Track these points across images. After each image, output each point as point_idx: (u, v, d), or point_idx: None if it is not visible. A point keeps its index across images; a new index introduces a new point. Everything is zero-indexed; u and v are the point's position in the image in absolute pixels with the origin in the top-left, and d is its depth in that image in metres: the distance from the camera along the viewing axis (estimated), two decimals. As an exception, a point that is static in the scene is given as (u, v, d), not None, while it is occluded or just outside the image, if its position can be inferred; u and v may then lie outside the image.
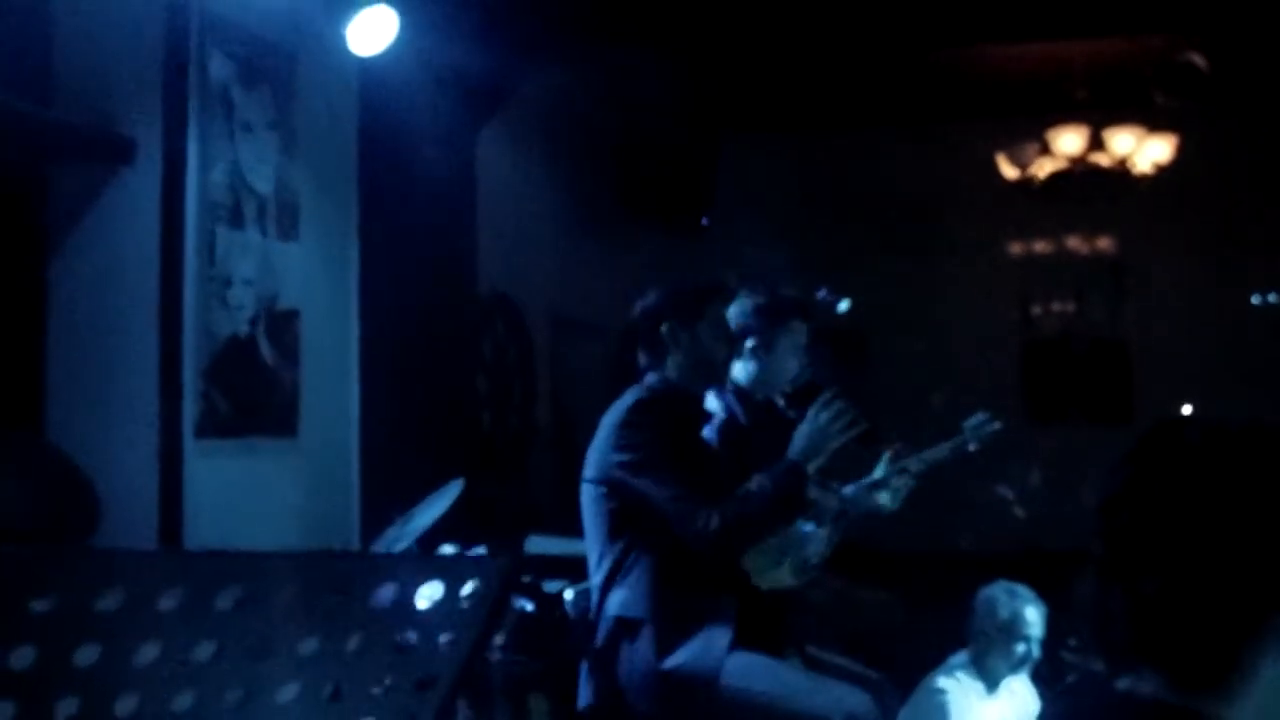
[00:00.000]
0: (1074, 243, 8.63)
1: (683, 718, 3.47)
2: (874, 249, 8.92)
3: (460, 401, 6.09)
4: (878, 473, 4.03)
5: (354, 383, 5.23)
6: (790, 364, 3.87)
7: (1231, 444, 1.36)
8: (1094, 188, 7.55)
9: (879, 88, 8.06)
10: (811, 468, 3.58)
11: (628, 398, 3.61)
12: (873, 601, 7.23)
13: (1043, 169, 7.56)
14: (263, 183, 4.65)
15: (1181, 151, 7.57)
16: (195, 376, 4.28)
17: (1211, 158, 8.05)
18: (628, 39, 6.24)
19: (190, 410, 4.24)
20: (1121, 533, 1.36)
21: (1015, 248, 8.97)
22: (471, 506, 4.13)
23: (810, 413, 3.57)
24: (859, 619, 6.68)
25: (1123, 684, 1.36)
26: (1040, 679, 4.53)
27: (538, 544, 4.47)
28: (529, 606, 4.08)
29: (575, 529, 3.76)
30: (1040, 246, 8.79)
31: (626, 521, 3.53)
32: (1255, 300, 8.75)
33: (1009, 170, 7.72)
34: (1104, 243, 8.62)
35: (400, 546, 3.87)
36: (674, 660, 3.44)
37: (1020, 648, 4.40)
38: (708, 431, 3.79)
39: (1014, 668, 4.43)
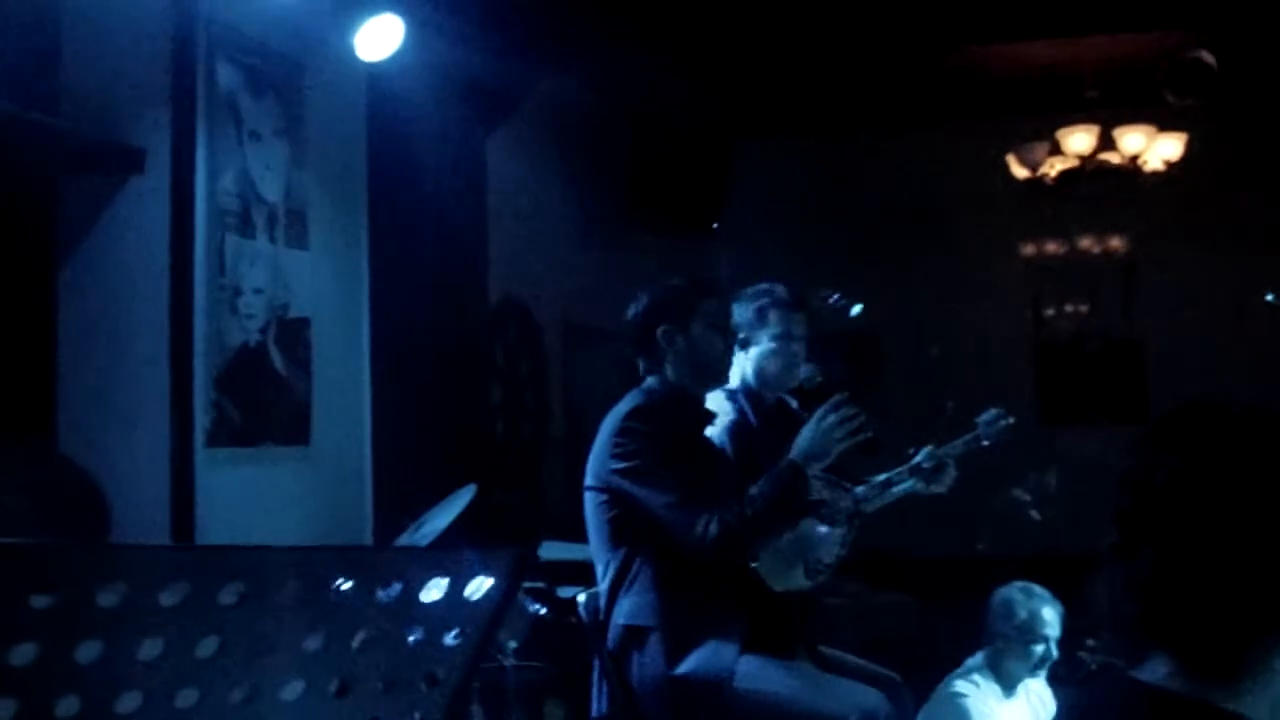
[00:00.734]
0: (1086, 243, 8.58)
1: (697, 722, 3.44)
2: (884, 252, 8.90)
3: (472, 408, 6.07)
4: (919, 459, 3.96)
5: (365, 390, 5.23)
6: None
7: (1241, 428, 1.37)
8: (1105, 187, 7.53)
9: (888, 91, 8.05)
10: (815, 469, 3.55)
11: (625, 403, 3.57)
12: (889, 605, 7.22)
13: (1053, 168, 7.54)
14: (272, 191, 4.65)
15: (1192, 150, 7.55)
16: (206, 385, 4.28)
17: (1223, 156, 8.01)
18: (638, 44, 6.23)
19: (201, 419, 4.24)
20: (1128, 513, 1.37)
21: (1027, 248, 8.93)
22: (484, 513, 4.10)
23: (817, 414, 3.54)
24: (875, 623, 6.67)
25: (1138, 674, 1.36)
26: (1058, 680, 4.48)
27: (551, 549, 4.45)
28: (543, 611, 4.06)
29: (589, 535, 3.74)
30: (1052, 247, 8.74)
31: (627, 528, 3.50)
32: (1269, 298, 8.70)
33: (1019, 170, 7.70)
34: (1116, 242, 8.57)
35: (412, 552, 3.85)
36: (685, 666, 3.41)
37: (1038, 648, 4.33)
38: (718, 433, 3.75)
39: (1032, 669, 4.37)
